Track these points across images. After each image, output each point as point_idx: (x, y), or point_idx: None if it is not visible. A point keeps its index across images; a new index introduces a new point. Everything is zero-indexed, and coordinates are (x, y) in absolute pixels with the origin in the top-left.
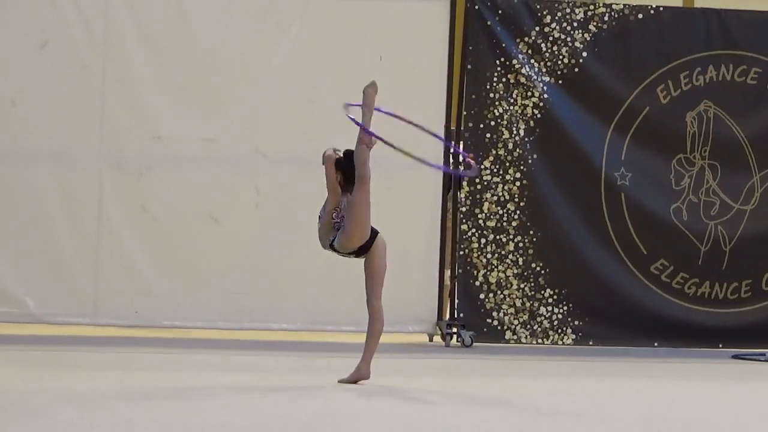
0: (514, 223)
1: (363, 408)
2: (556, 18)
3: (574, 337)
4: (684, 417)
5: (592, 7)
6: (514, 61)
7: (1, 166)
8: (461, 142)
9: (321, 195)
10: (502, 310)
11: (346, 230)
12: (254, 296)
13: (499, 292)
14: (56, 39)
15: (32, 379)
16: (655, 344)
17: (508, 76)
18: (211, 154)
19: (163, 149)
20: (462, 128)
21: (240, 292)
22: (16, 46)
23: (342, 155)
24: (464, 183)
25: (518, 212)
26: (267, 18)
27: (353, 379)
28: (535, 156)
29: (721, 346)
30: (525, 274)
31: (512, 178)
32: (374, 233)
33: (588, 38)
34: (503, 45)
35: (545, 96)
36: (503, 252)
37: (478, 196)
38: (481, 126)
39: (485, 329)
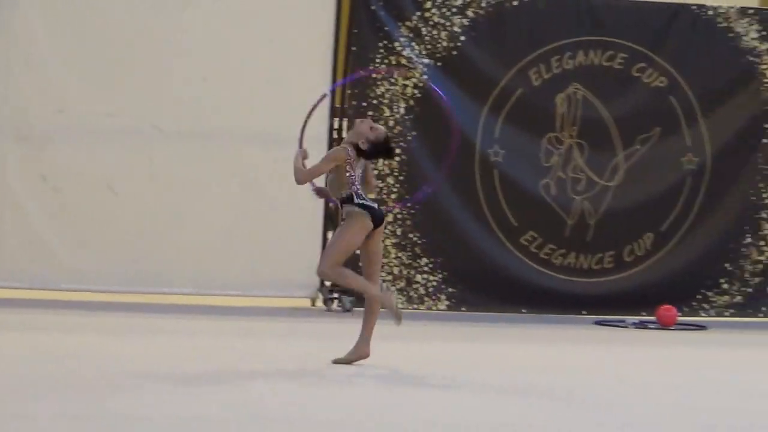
0: (393, 196)
1: (246, 367)
2: (437, 4)
3: (448, 303)
4: (548, 379)
5: None
6: (396, 44)
7: None
8: (346, 120)
9: (211, 167)
10: (381, 277)
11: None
12: (149, 262)
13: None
14: None
15: None
16: (523, 310)
17: (390, 57)
18: (110, 127)
19: (65, 122)
20: (346, 106)
21: (136, 258)
22: None
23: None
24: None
25: (397, 185)
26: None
27: (353, 359)
28: (414, 133)
29: (584, 313)
30: (402, 243)
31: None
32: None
33: (466, 23)
34: (386, 28)
35: (425, 77)
36: (387, 225)
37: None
38: (364, 104)
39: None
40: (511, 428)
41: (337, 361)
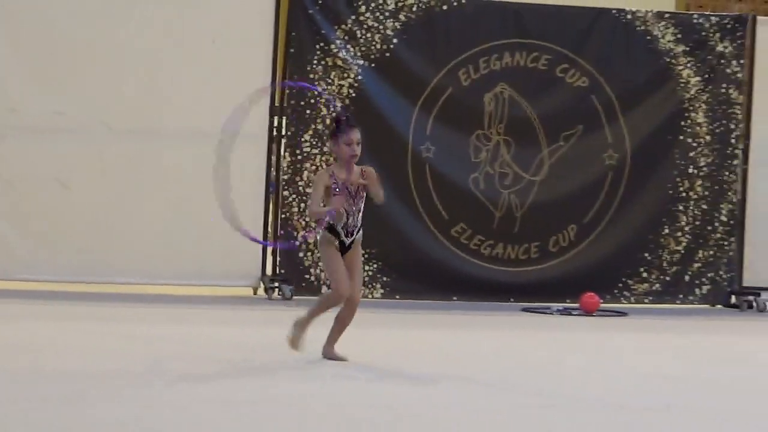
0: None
1: (190, 351)
2: (370, 8)
3: (382, 291)
4: (477, 363)
5: None
6: (332, 46)
7: None
8: (284, 117)
9: (158, 163)
10: (318, 267)
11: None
12: (99, 253)
13: (316, 251)
14: None
15: None
16: (454, 298)
17: (327, 59)
18: (62, 125)
19: (18, 121)
20: (285, 105)
21: (86, 250)
22: None
23: None
24: (286, 154)
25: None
26: (113, 1)
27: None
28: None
29: (512, 300)
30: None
31: (329, 150)
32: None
33: (398, 26)
34: (322, 31)
35: (359, 77)
36: None
37: (298, 166)
38: (302, 103)
39: (303, 284)
40: (442, 410)
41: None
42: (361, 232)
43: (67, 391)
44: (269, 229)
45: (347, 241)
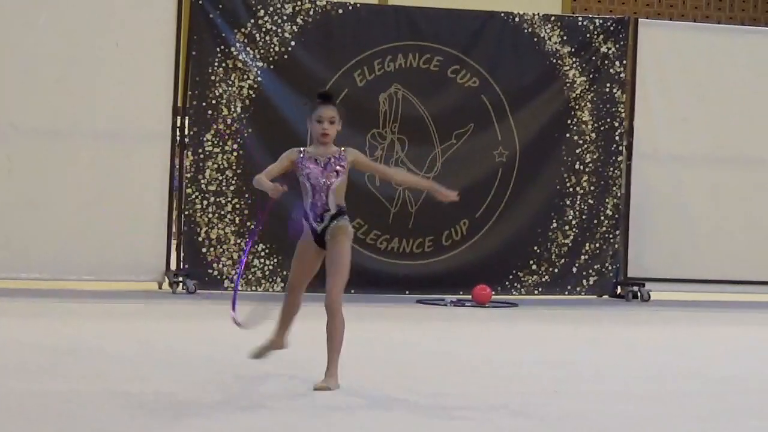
0: (232, 188)
1: (95, 343)
2: (269, 12)
3: (282, 284)
4: (372, 352)
5: (299, 3)
6: (232, 49)
7: None
8: (187, 118)
9: (63, 161)
10: (221, 262)
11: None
12: (7, 250)
13: (218, 246)
14: None
15: None
16: (352, 291)
17: (227, 61)
18: None
19: None
20: (188, 105)
21: None
22: None
23: None
24: (188, 153)
25: (235, 178)
26: (22, 5)
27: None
28: (250, 130)
29: (407, 292)
30: (241, 231)
31: (230, 149)
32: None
33: (296, 30)
34: (223, 35)
35: (259, 79)
36: (222, 212)
37: (201, 164)
38: (204, 104)
39: (207, 278)
40: (339, 396)
41: (319, 388)
42: (341, 221)
43: None
44: (173, 226)
45: (318, 227)
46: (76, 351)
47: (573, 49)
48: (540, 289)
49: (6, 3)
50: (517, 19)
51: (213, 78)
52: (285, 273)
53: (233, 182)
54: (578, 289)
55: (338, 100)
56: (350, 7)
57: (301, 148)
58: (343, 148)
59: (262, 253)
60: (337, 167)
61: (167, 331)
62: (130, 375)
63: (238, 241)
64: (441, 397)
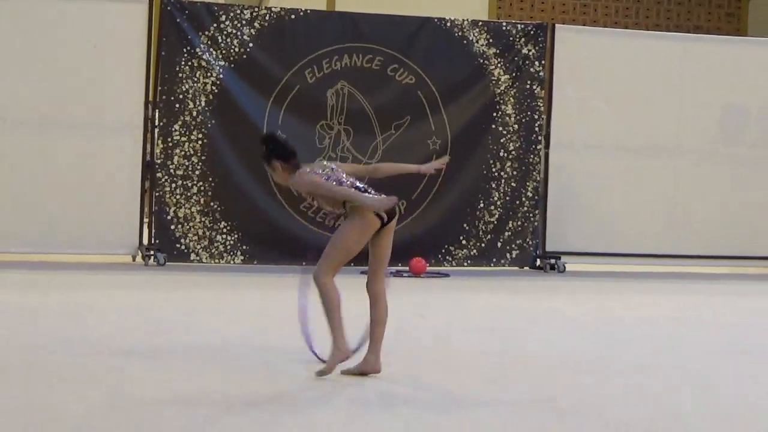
0: (197, 172)
1: (78, 307)
2: (230, 17)
3: (242, 257)
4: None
5: (256, 9)
6: (197, 50)
7: None
8: (157, 110)
9: (46, 149)
10: (188, 238)
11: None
12: None
13: (185, 223)
14: None
15: None
16: (303, 263)
17: (193, 60)
18: None
19: None
20: (158, 99)
21: None
22: None
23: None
24: (159, 141)
25: (200, 164)
26: (12, 10)
27: (361, 372)
28: (213, 122)
29: (352, 264)
30: (205, 210)
31: (196, 138)
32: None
33: (253, 33)
34: (189, 37)
35: (221, 76)
36: (189, 194)
37: (169, 152)
38: (172, 98)
39: (175, 252)
40: (295, 355)
41: (345, 372)
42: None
43: None
44: (145, 206)
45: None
46: (61, 313)
47: (498, 51)
48: (469, 262)
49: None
50: (448, 24)
51: (180, 75)
52: (245, 247)
53: (198, 167)
54: (502, 261)
55: (291, 96)
56: (301, 13)
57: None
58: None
59: (224, 230)
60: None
61: (142, 298)
62: (110, 331)
63: (203, 219)
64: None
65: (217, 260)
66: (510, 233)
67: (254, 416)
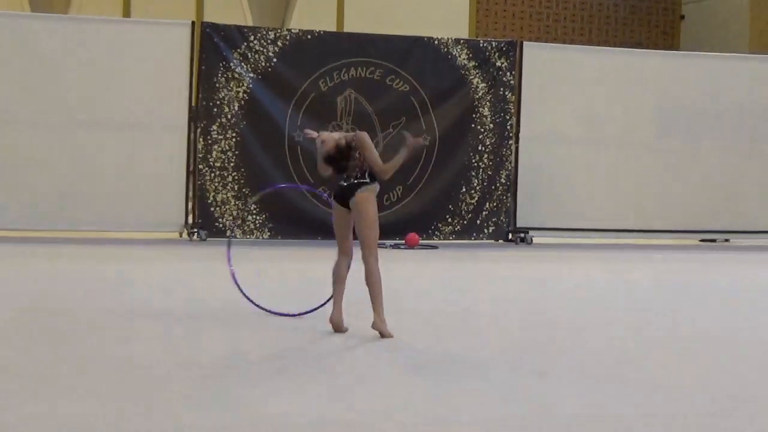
0: (231, 164)
1: (135, 275)
2: (257, 37)
3: (269, 233)
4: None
5: (279, 31)
6: (231, 64)
7: None
8: (198, 114)
9: (108, 143)
10: (224, 218)
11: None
12: (65, 208)
13: (222, 206)
14: None
15: None
16: (318, 237)
17: (227, 73)
18: (40, 119)
19: (12, 117)
20: (199, 105)
21: (56, 207)
22: None
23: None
24: (200, 139)
25: (234, 157)
26: (81, 34)
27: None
28: (244, 123)
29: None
30: (239, 195)
31: (230, 137)
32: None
33: (277, 50)
34: (224, 54)
35: (250, 86)
36: (225, 182)
37: (209, 147)
38: (211, 104)
39: (214, 229)
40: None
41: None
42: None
43: (62, 325)
44: (190, 192)
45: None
46: (120, 279)
47: (476, 64)
48: (453, 236)
49: (67, 31)
50: (436, 42)
51: (217, 85)
52: (271, 225)
53: (232, 160)
54: (481, 235)
55: (308, 101)
56: (316, 34)
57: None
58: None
59: (254, 211)
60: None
61: (186, 268)
62: (158, 294)
63: (237, 203)
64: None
65: (248, 236)
66: (487, 212)
67: (275, 370)
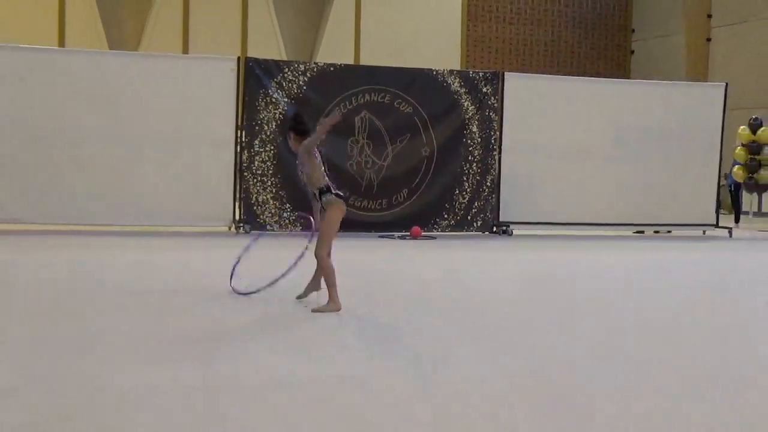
0: (270, 172)
1: (192, 261)
2: (290, 69)
3: (300, 227)
4: (354, 266)
5: (308, 64)
6: (269, 91)
7: None
8: (243, 131)
9: (176, 158)
10: (264, 214)
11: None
12: (134, 206)
13: (263, 205)
14: None
15: None
16: (340, 230)
17: (266, 98)
18: (109, 135)
19: (91, 134)
20: (244, 124)
21: (117, 202)
22: None
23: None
24: (245, 152)
25: (272, 166)
26: (141, 67)
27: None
28: (280, 139)
29: (373, 231)
30: (277, 196)
31: (269, 150)
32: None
33: (306, 79)
34: (264, 82)
35: (285, 108)
36: (264, 186)
37: (252, 158)
38: (253, 123)
39: (256, 224)
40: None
41: (315, 310)
42: (324, 198)
43: (153, 301)
44: (236, 194)
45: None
46: (176, 265)
47: (466, 90)
48: (449, 229)
49: (137, 65)
50: (434, 73)
51: (258, 108)
52: (302, 221)
53: (271, 168)
54: (471, 228)
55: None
56: (338, 66)
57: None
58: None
59: (288, 208)
60: (299, 164)
61: (234, 255)
62: (212, 278)
63: (275, 202)
64: (399, 299)
65: (284, 229)
66: (475, 210)
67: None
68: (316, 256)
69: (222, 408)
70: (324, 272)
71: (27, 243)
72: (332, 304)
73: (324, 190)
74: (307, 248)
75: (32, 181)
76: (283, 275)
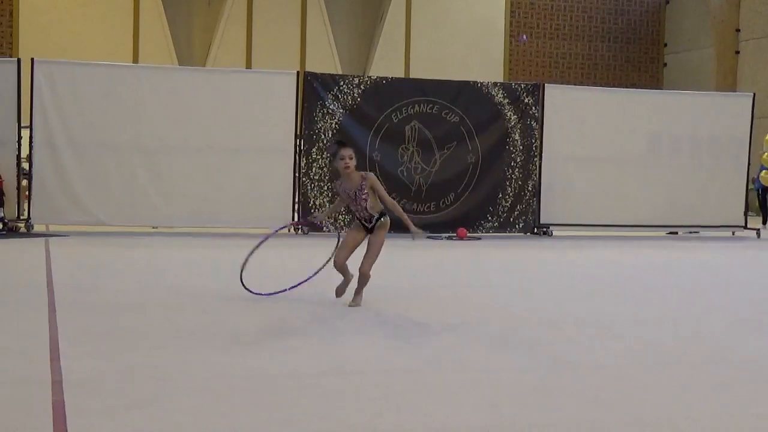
0: (326, 177)
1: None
2: (345, 82)
3: (334, 228)
4: (405, 262)
5: (361, 77)
6: (326, 102)
7: None
8: (301, 139)
9: (241, 166)
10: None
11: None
12: (203, 211)
13: (320, 208)
14: None
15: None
16: (392, 232)
17: (323, 109)
18: (184, 145)
19: (166, 144)
20: (302, 133)
21: (191, 205)
22: None
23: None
24: (303, 159)
25: (328, 172)
26: (212, 78)
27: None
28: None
29: (428, 231)
30: (332, 200)
31: (325, 157)
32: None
33: (360, 91)
34: (321, 95)
35: (340, 119)
36: (321, 191)
37: (310, 165)
38: (311, 132)
39: (314, 227)
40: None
41: (351, 305)
42: (382, 219)
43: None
44: (296, 198)
45: (368, 226)
46: (254, 262)
47: (510, 101)
48: (493, 230)
49: (205, 79)
50: (479, 84)
51: (316, 118)
52: (355, 221)
53: (327, 174)
54: (514, 230)
55: (383, 130)
56: (389, 79)
57: (338, 182)
58: (363, 175)
59: (343, 211)
60: (363, 196)
61: (293, 253)
62: (272, 274)
63: (331, 205)
64: (444, 289)
65: (339, 230)
66: (518, 212)
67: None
68: (363, 272)
69: (282, 393)
70: (365, 282)
71: (112, 242)
72: (359, 298)
73: (384, 213)
74: (332, 257)
75: (114, 187)
76: (308, 278)
